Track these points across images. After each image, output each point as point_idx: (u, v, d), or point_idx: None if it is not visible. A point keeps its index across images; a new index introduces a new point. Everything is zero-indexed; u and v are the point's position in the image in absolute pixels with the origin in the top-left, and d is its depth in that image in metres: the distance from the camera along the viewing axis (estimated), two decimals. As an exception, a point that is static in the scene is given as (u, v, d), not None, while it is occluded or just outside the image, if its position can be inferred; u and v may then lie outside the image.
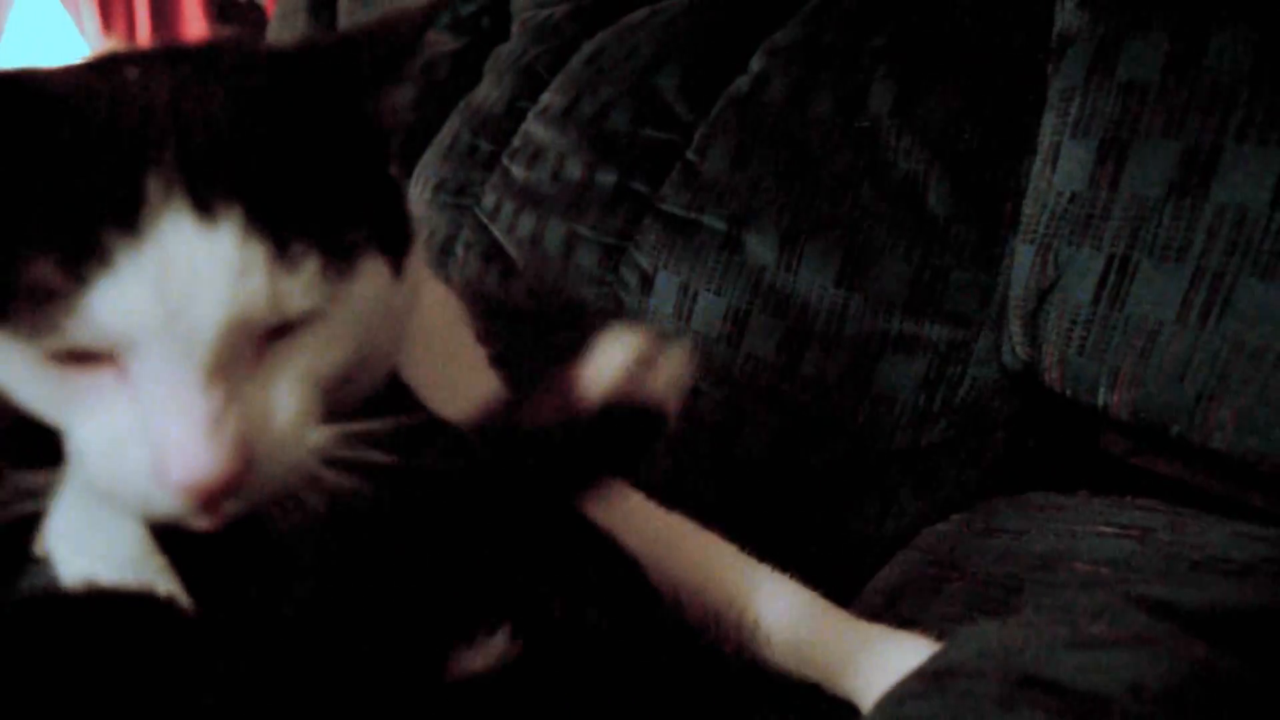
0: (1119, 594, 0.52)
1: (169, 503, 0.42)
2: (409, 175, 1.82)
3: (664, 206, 1.15)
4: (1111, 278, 0.76)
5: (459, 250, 1.49)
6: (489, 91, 1.70)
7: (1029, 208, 0.85)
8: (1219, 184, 0.70)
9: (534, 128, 1.45)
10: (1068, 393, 0.81)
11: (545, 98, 1.49)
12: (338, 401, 0.46)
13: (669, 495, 0.73)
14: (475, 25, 2.03)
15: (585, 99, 1.37)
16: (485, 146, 1.59)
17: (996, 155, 0.90)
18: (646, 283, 1.12)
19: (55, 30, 4.58)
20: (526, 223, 1.33)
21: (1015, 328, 0.85)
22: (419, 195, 1.72)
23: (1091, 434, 0.87)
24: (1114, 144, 0.77)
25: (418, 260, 0.53)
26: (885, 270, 0.93)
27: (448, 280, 0.94)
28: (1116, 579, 0.59)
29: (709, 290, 1.04)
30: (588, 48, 1.48)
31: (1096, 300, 0.77)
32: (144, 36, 4.95)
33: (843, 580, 0.77)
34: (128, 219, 0.40)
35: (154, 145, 0.41)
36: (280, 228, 0.42)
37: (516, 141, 1.49)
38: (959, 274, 0.90)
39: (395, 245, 0.49)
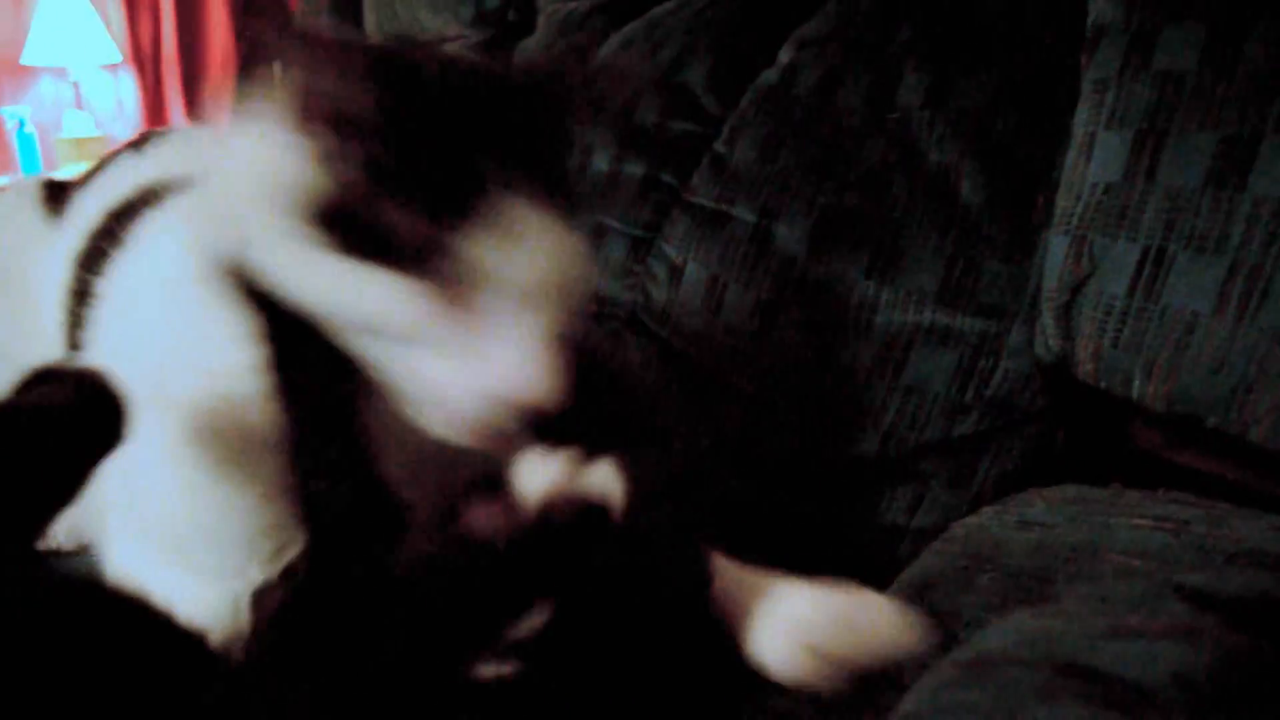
0: (1157, 583, 0.52)
1: (493, 415, 0.56)
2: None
3: (693, 198, 1.15)
4: (1147, 269, 0.76)
5: (487, 242, 1.49)
6: (516, 84, 1.70)
7: (1063, 199, 0.84)
8: (1257, 175, 0.70)
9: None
10: (1101, 385, 0.81)
11: (572, 90, 1.49)
12: None
13: (700, 487, 0.73)
14: (501, 19, 2.03)
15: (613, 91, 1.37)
16: (512, 139, 1.59)
17: (1030, 147, 0.89)
18: (675, 275, 1.12)
19: (81, 23, 4.61)
20: (554, 215, 1.34)
21: (1048, 320, 0.84)
22: (446, 188, 1.72)
23: (1123, 427, 0.86)
24: (1150, 135, 0.77)
25: None
26: (917, 262, 0.93)
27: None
28: (1152, 571, 0.59)
29: (738, 282, 1.04)
30: (614, 40, 1.48)
31: (1132, 292, 0.77)
32: (169, 31, 4.98)
33: (874, 571, 0.77)
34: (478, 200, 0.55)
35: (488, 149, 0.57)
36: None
37: (544, 134, 1.49)
38: (992, 266, 0.89)
39: None
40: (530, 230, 0.56)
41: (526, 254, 0.56)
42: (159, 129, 0.92)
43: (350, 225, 0.55)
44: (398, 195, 0.54)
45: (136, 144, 0.90)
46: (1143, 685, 0.39)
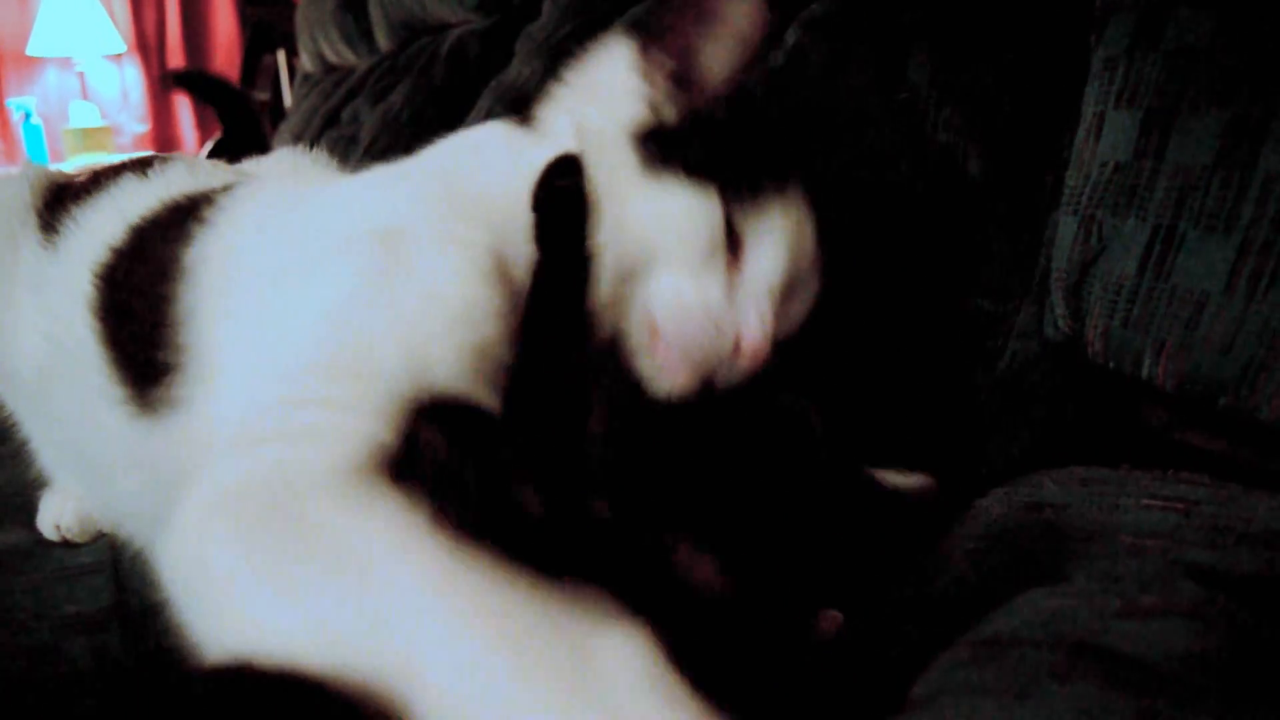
0: (1168, 563, 0.52)
1: (719, 350, 0.66)
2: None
3: (700, 182, 1.14)
4: (1157, 248, 0.75)
5: (493, 228, 1.50)
6: (520, 70, 1.70)
7: (1072, 179, 0.84)
8: (1268, 153, 0.69)
9: (567, 105, 1.45)
10: (1111, 365, 0.80)
11: (578, 75, 1.48)
12: None
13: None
14: (506, 3, 2.02)
15: (619, 75, 1.37)
16: (518, 124, 1.59)
17: (1038, 126, 0.89)
18: (683, 259, 1.12)
19: (86, 14, 4.61)
20: (561, 200, 1.33)
21: (1057, 300, 0.84)
22: (452, 174, 1.72)
23: (1133, 408, 0.86)
24: (1159, 113, 0.76)
25: None
26: (925, 242, 0.92)
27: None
28: (1163, 551, 0.59)
29: (746, 265, 1.04)
30: (621, 23, 1.47)
31: (1141, 271, 0.76)
32: (173, 20, 4.98)
33: (885, 550, 0.77)
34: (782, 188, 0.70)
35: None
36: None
37: (550, 118, 1.49)
38: (1000, 246, 0.89)
39: None
40: (793, 211, 0.70)
41: (790, 226, 0.70)
42: (160, 155, 0.93)
43: (681, 149, 0.66)
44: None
45: (140, 166, 0.91)
46: (1154, 665, 0.39)
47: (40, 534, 0.96)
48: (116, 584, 0.86)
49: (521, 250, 0.64)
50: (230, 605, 0.48)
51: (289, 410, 0.57)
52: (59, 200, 0.91)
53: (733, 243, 0.68)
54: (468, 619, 0.43)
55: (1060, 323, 0.85)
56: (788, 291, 0.72)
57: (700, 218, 0.66)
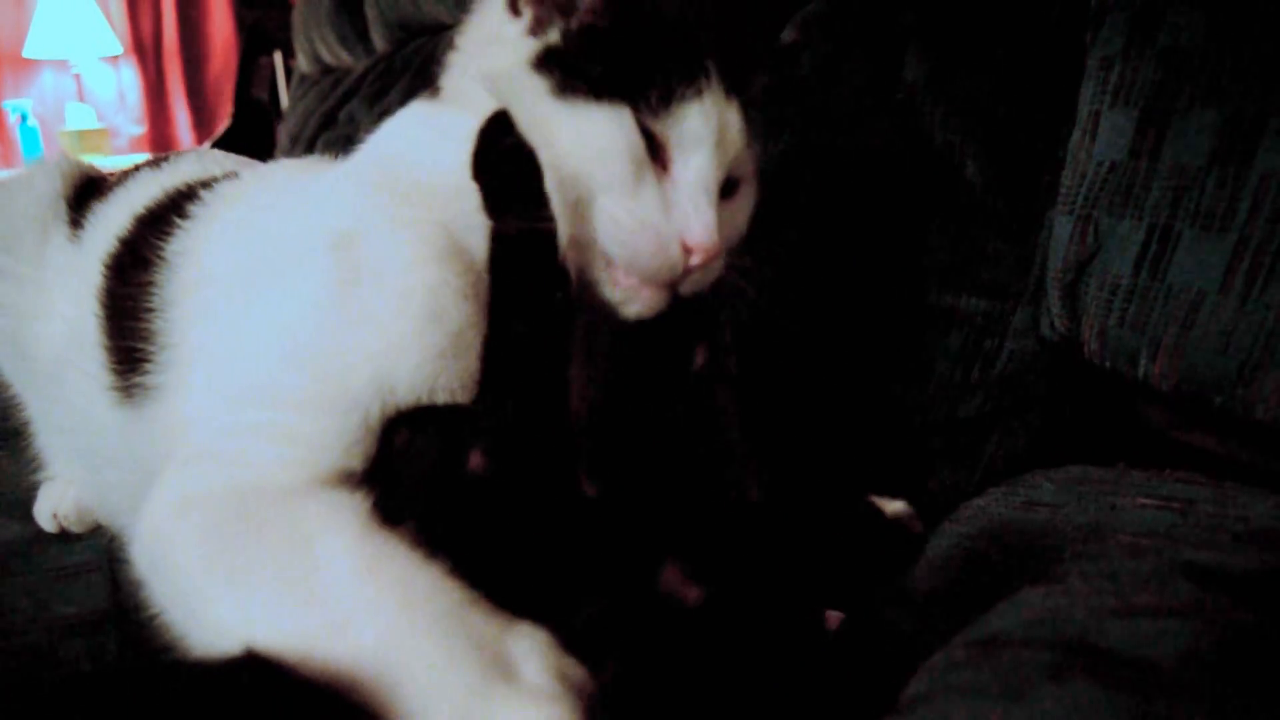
0: (1165, 562, 0.52)
1: (670, 260, 0.65)
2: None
3: (696, 182, 1.14)
4: (1153, 248, 0.75)
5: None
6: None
7: (1068, 179, 0.84)
8: (1264, 152, 0.69)
9: (564, 105, 1.45)
10: (1107, 364, 0.80)
11: (575, 75, 1.48)
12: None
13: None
14: (503, 4, 2.02)
15: (615, 76, 1.37)
16: (515, 125, 1.59)
17: (1034, 126, 0.89)
18: (680, 259, 1.12)
19: (82, 16, 4.61)
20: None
21: (1054, 299, 0.84)
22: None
23: (1129, 407, 0.86)
24: (1155, 113, 0.76)
25: None
26: (921, 242, 0.92)
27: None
28: (1159, 550, 0.59)
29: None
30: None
31: (1137, 271, 0.76)
32: (169, 22, 4.97)
33: (898, 567, 0.77)
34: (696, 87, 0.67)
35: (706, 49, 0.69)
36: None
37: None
38: (996, 245, 0.89)
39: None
40: (712, 108, 0.67)
41: (712, 124, 0.67)
42: (181, 151, 0.95)
43: (579, 72, 0.66)
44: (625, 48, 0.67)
45: (155, 162, 0.93)
46: (1150, 663, 0.39)
47: (35, 530, 0.96)
48: (113, 584, 0.86)
49: (474, 225, 0.63)
50: (197, 603, 0.53)
51: (252, 436, 0.60)
52: (87, 192, 0.94)
53: (658, 151, 0.67)
54: (406, 614, 0.48)
55: (1057, 322, 0.85)
56: (726, 188, 0.72)
57: (615, 135, 0.65)
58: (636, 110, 0.66)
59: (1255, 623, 0.42)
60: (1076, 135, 0.84)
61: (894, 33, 1.01)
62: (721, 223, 0.67)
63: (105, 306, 0.80)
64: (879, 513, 0.74)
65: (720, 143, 0.68)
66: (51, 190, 0.93)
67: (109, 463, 0.81)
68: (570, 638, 0.49)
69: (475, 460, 0.57)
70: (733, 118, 0.70)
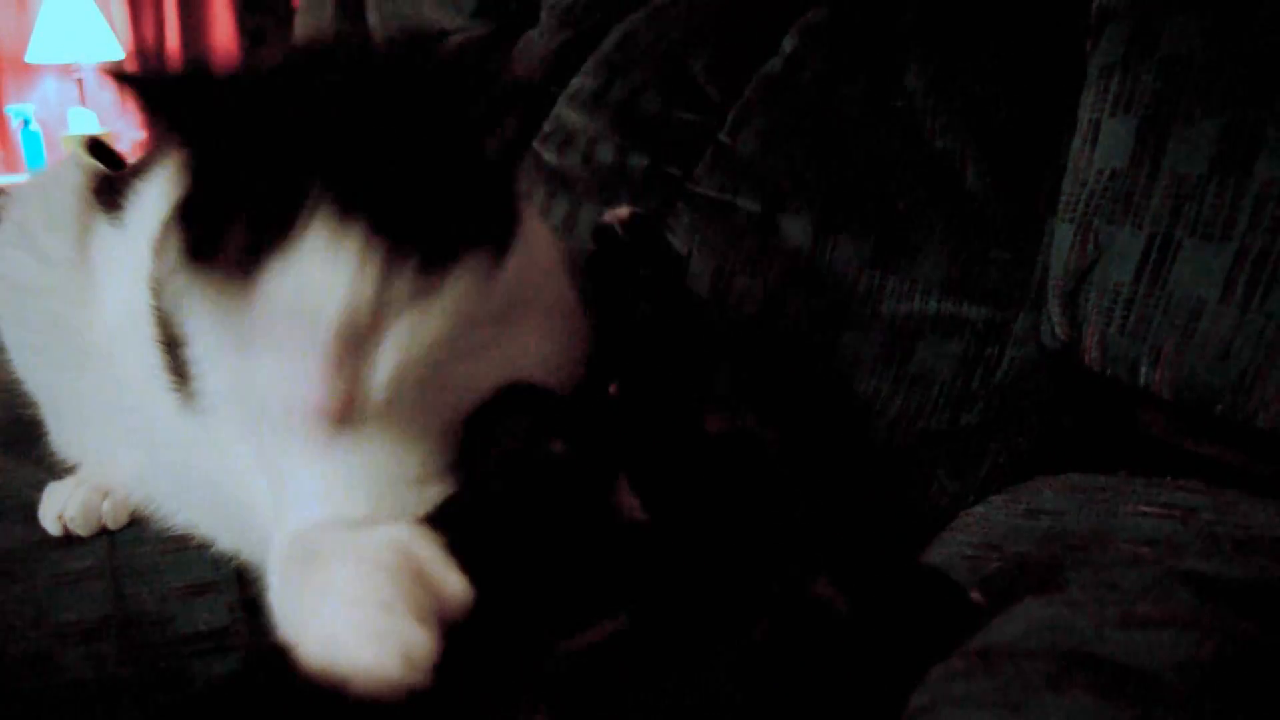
0: (1165, 572, 0.52)
1: (303, 418, 0.57)
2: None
3: (697, 189, 1.14)
4: (1153, 256, 0.75)
5: (491, 235, 1.50)
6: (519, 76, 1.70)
7: (1068, 186, 0.84)
8: (1263, 161, 0.69)
9: (565, 112, 1.45)
10: (1108, 372, 0.81)
11: (576, 82, 1.48)
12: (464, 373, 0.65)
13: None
14: (503, 10, 2.03)
15: (616, 82, 1.37)
16: (516, 131, 1.59)
17: (1035, 133, 0.89)
18: (681, 264, 1.12)
19: (85, 21, 4.61)
20: (559, 207, 1.33)
21: (1054, 307, 0.84)
22: (450, 181, 1.72)
23: (1131, 415, 0.86)
24: (1155, 121, 0.77)
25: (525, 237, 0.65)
26: (922, 250, 0.92)
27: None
28: (1160, 559, 0.59)
29: (743, 272, 1.04)
30: (618, 31, 1.48)
31: (1138, 279, 0.76)
32: (172, 27, 4.98)
33: (881, 559, 0.77)
34: (291, 229, 0.54)
35: (309, 171, 0.54)
36: (392, 240, 0.54)
37: (548, 126, 1.49)
38: (997, 253, 0.89)
39: (498, 238, 0.61)
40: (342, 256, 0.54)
41: (327, 279, 0.54)
42: None
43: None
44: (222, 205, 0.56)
45: None
46: (1149, 674, 0.39)
47: (36, 536, 0.96)
48: (115, 589, 0.86)
49: None
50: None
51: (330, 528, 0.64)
52: (106, 188, 0.95)
53: None
54: None
55: (1058, 330, 0.85)
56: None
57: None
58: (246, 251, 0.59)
59: (1252, 632, 0.42)
60: (1077, 143, 0.84)
61: (894, 41, 1.01)
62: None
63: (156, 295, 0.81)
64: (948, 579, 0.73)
65: (326, 292, 0.57)
66: (81, 181, 0.96)
67: (167, 445, 0.83)
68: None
69: (557, 446, 0.62)
70: (343, 259, 0.56)
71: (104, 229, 0.92)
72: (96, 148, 1.17)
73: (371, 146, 0.55)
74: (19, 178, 4.44)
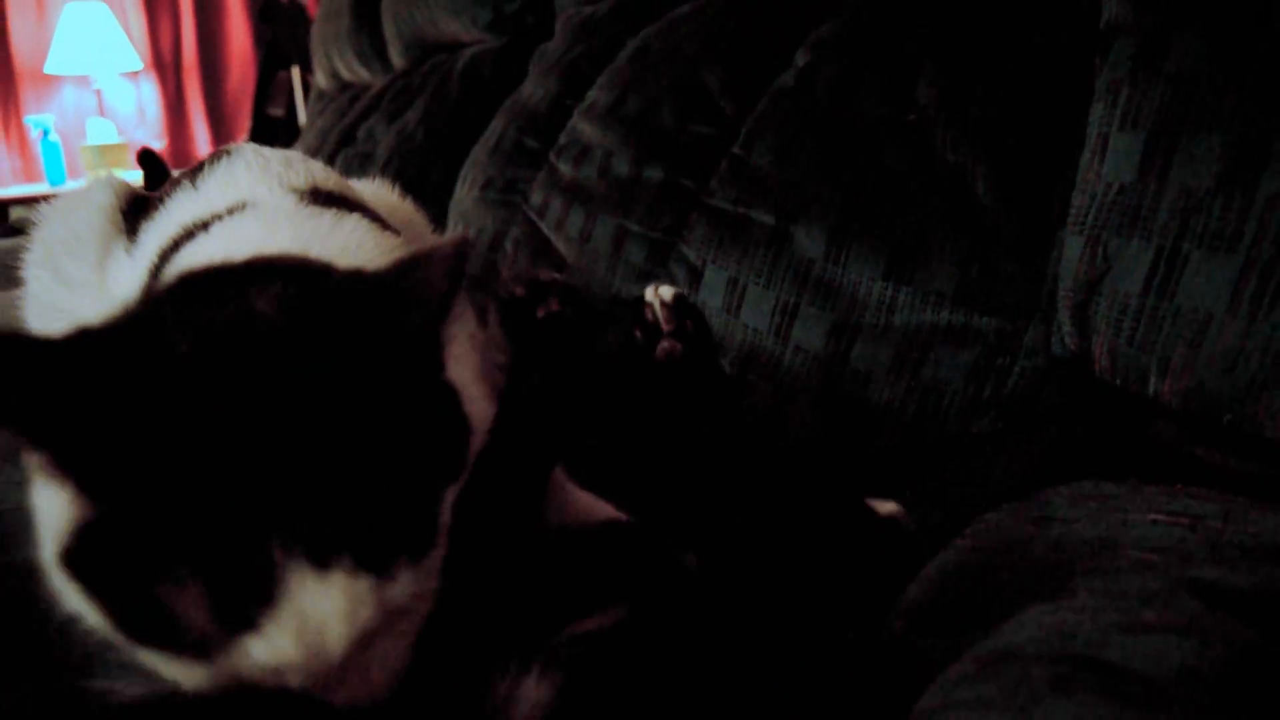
0: (1171, 579, 0.53)
1: None
2: (456, 172, 1.85)
3: (712, 201, 1.16)
4: (1161, 268, 0.77)
5: (508, 246, 1.52)
6: (534, 89, 1.72)
7: (1078, 199, 0.85)
8: (1269, 175, 0.71)
9: (580, 125, 1.47)
10: (1118, 382, 0.82)
11: (591, 95, 1.50)
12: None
13: (723, 484, 0.75)
14: (518, 23, 2.05)
15: (631, 96, 1.39)
16: (532, 144, 1.61)
17: (1044, 147, 0.91)
18: (695, 276, 1.14)
19: (102, 32, 4.66)
20: (576, 219, 1.35)
21: (1064, 318, 0.85)
22: (466, 193, 1.74)
23: (1142, 424, 0.87)
24: (1162, 135, 0.78)
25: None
26: (934, 262, 0.94)
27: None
28: (1167, 566, 0.60)
29: (757, 284, 1.06)
30: (632, 44, 1.50)
31: (1146, 291, 0.78)
32: (188, 37, 5.02)
33: (895, 566, 0.78)
34: (263, 586, 0.45)
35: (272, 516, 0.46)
36: (379, 556, 0.48)
37: (563, 139, 1.51)
38: (1008, 265, 0.90)
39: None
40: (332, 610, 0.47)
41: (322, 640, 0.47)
42: (225, 148, 0.94)
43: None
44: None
45: (193, 172, 0.90)
46: (1153, 679, 0.40)
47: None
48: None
49: None
50: None
51: None
52: (137, 209, 0.93)
53: None
54: None
55: (1068, 340, 0.86)
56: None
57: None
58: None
59: (1255, 639, 0.43)
60: (1086, 157, 0.85)
61: (906, 56, 1.03)
62: None
63: None
64: (873, 512, 0.75)
65: (325, 636, 0.49)
66: (108, 203, 0.94)
67: None
68: None
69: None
70: (335, 595, 0.48)
71: (121, 255, 0.88)
72: (147, 158, 1.15)
73: (315, 465, 0.46)
74: (39, 188, 4.49)
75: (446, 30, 2.26)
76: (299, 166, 0.87)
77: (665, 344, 0.79)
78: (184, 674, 0.48)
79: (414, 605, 0.51)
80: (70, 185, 4.37)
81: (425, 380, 0.52)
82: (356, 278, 0.54)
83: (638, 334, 0.81)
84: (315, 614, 0.46)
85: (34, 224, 0.98)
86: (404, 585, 0.49)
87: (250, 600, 0.45)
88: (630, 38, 1.51)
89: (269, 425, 0.45)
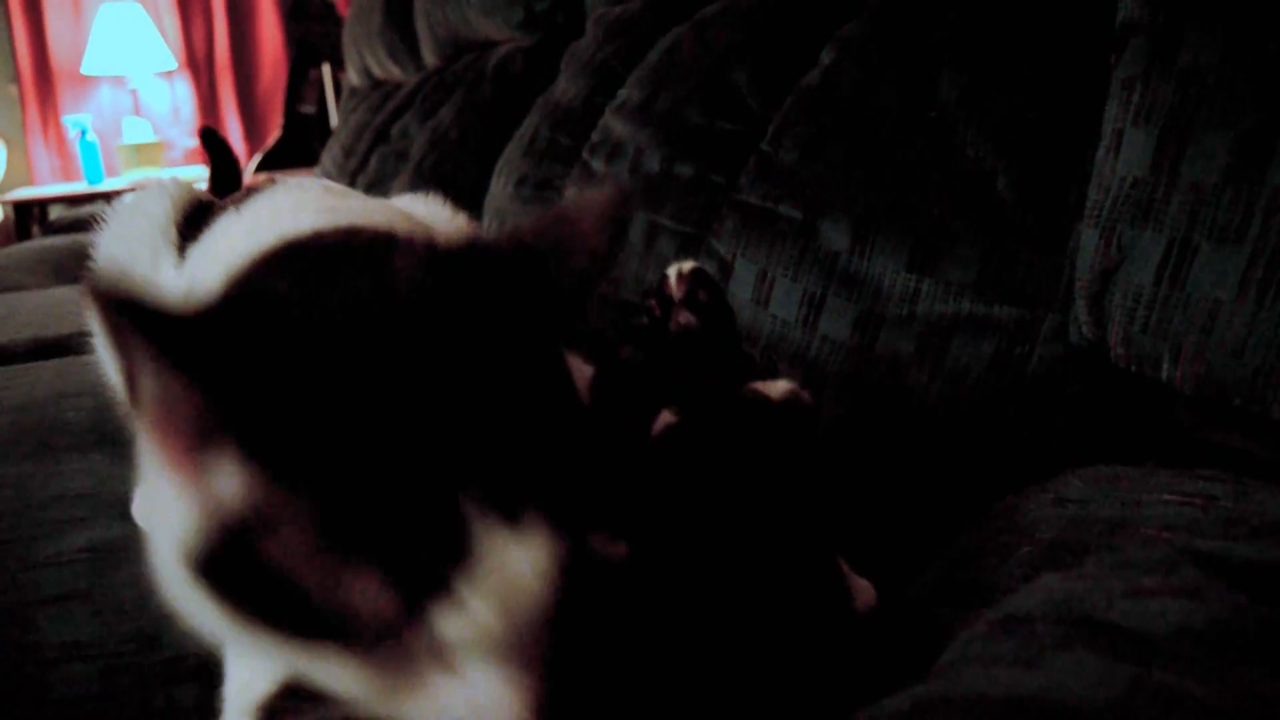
0: (1176, 551, 0.57)
1: None
2: (490, 169, 1.89)
3: (741, 197, 1.20)
4: (1173, 259, 0.80)
5: (542, 241, 1.55)
6: (566, 87, 1.76)
7: (1093, 193, 0.88)
8: (1275, 169, 0.74)
9: (612, 123, 1.51)
10: (1132, 369, 0.85)
11: (622, 93, 1.54)
12: None
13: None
14: (549, 22, 2.08)
15: (662, 94, 1.42)
16: (565, 141, 1.65)
17: (1062, 143, 0.94)
18: (726, 270, 1.18)
19: (138, 33, 4.73)
20: (608, 214, 1.39)
21: (1081, 308, 0.89)
22: (501, 190, 1.78)
23: (1158, 408, 0.90)
24: (1174, 131, 0.81)
25: None
26: (956, 254, 0.97)
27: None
28: (1175, 541, 0.63)
29: (786, 276, 1.10)
30: (662, 43, 1.53)
31: (1158, 281, 0.81)
32: (221, 37, 5.09)
33: (917, 547, 0.82)
34: (453, 547, 0.42)
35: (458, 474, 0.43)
36: (565, 513, 0.45)
37: (595, 136, 1.55)
38: (1027, 257, 0.94)
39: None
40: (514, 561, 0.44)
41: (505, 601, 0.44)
42: (261, 184, 0.91)
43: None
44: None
45: (239, 200, 0.85)
46: (1148, 636, 0.44)
47: (131, 530, 1.02)
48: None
49: None
50: None
51: None
52: (198, 217, 0.88)
53: None
54: None
55: (1085, 329, 0.89)
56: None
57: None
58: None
59: (1246, 603, 0.47)
60: (1101, 152, 0.89)
61: (928, 54, 1.06)
62: None
63: None
64: (765, 399, 0.74)
65: (520, 604, 0.46)
66: (162, 215, 0.90)
67: None
68: None
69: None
70: (530, 557, 0.45)
71: (169, 270, 0.83)
72: (209, 137, 1.11)
73: (490, 412, 0.45)
74: (78, 186, 4.57)
75: (478, 29, 2.30)
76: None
77: (682, 318, 0.77)
78: (351, 672, 0.44)
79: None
80: (108, 184, 4.45)
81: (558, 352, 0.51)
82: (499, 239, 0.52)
83: (654, 306, 0.79)
84: (513, 570, 0.43)
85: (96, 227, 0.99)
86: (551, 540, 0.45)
87: (440, 563, 0.42)
88: (660, 36, 1.55)
89: (438, 388, 0.44)
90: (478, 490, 0.42)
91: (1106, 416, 0.94)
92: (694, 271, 0.80)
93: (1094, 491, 0.82)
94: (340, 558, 0.41)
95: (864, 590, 0.78)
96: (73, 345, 1.32)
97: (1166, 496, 0.76)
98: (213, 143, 1.11)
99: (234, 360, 0.41)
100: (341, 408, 0.42)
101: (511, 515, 0.43)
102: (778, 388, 0.76)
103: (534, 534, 0.44)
